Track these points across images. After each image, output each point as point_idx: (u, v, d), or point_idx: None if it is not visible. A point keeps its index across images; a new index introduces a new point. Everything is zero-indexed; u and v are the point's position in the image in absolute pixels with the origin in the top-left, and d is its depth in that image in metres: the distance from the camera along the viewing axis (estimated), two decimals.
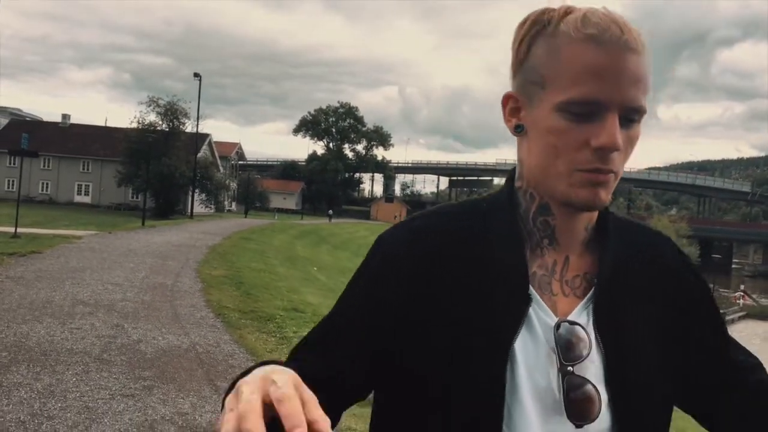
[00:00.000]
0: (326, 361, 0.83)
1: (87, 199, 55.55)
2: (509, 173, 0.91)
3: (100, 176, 55.14)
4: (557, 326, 0.80)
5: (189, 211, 42.60)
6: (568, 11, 0.80)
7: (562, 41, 0.78)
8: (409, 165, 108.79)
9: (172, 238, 19.95)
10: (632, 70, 0.76)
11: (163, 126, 47.84)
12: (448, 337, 0.80)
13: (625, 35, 0.76)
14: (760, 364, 0.93)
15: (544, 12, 0.82)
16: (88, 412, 4.39)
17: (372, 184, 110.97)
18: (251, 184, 66.72)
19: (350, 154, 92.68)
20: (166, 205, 46.70)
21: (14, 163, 47.50)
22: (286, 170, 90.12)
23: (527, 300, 0.81)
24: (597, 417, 0.78)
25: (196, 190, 46.28)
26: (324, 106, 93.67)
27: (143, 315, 7.81)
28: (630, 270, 0.88)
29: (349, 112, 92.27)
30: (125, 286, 9.79)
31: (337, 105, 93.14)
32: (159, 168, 44.59)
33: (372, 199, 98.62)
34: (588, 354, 0.80)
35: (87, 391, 4.81)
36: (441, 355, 0.80)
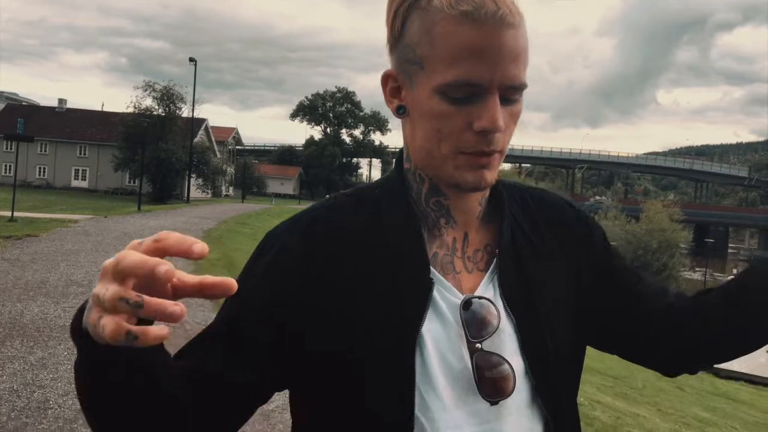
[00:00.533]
0: (216, 357, 0.78)
1: (84, 184, 55.71)
2: (398, 154, 0.90)
3: (97, 161, 55.25)
4: (462, 304, 0.80)
5: (186, 195, 42.82)
6: None
7: (436, 17, 0.74)
8: None
9: (167, 223, 20.22)
10: (510, 47, 0.73)
11: (160, 111, 47.96)
12: (353, 332, 0.78)
13: (501, 9, 0.73)
14: (667, 288, 0.95)
15: None
16: None
17: (370, 169, 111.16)
18: (248, 169, 66.91)
19: (348, 139, 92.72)
20: (163, 190, 46.88)
21: (11, 148, 47.58)
22: (284, 155, 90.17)
23: (429, 283, 0.80)
24: (512, 391, 0.78)
25: (193, 175, 46.51)
26: (321, 91, 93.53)
27: None
28: (528, 233, 0.88)
29: (346, 96, 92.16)
30: None
31: (335, 90, 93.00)
32: (156, 153, 44.75)
33: None
34: (497, 327, 0.80)
35: None
36: (347, 350, 0.78)
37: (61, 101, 60.67)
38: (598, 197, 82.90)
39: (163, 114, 47.77)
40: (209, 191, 51.55)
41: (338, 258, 0.81)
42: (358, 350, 0.78)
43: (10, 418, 3.93)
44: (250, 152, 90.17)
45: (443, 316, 0.80)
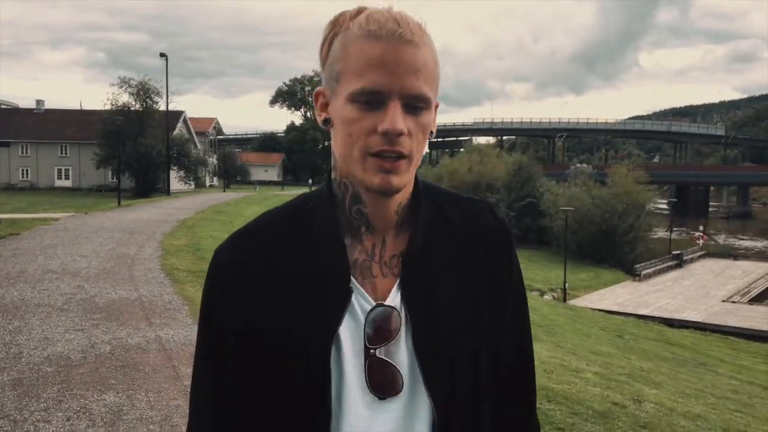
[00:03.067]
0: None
1: (68, 183, 56.48)
2: (329, 166, 0.98)
3: (78, 160, 55.95)
4: (368, 312, 0.89)
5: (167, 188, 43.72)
6: (359, 12, 0.89)
7: (350, 38, 0.86)
8: None
9: (145, 215, 21.30)
10: (409, 61, 0.84)
11: (137, 106, 48.68)
12: (280, 343, 0.89)
13: (401, 29, 0.84)
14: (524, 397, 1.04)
15: (342, 14, 0.91)
16: (48, 341, 5.90)
17: None
18: (230, 159, 67.69)
19: None
20: (146, 184, 47.72)
21: None
22: (266, 142, 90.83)
23: (348, 291, 0.89)
24: (401, 390, 0.89)
25: (174, 168, 47.36)
26: (299, 76, 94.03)
27: (102, 277, 9.30)
28: (443, 241, 0.95)
29: None
30: (91, 257, 11.24)
31: (312, 74, 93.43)
32: (136, 148, 45.59)
33: None
34: (397, 333, 0.89)
35: (47, 328, 6.33)
36: (274, 360, 0.89)
37: (39, 102, 61.15)
38: (578, 164, 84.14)
39: (141, 109, 48.52)
40: (191, 183, 52.37)
41: (268, 274, 0.91)
42: (286, 350, 0.88)
43: None
44: (232, 141, 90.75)
45: (358, 321, 0.89)
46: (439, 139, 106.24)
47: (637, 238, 36.67)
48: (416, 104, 0.86)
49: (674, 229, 54.37)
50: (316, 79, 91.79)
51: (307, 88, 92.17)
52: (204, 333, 0.95)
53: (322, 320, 0.88)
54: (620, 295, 27.71)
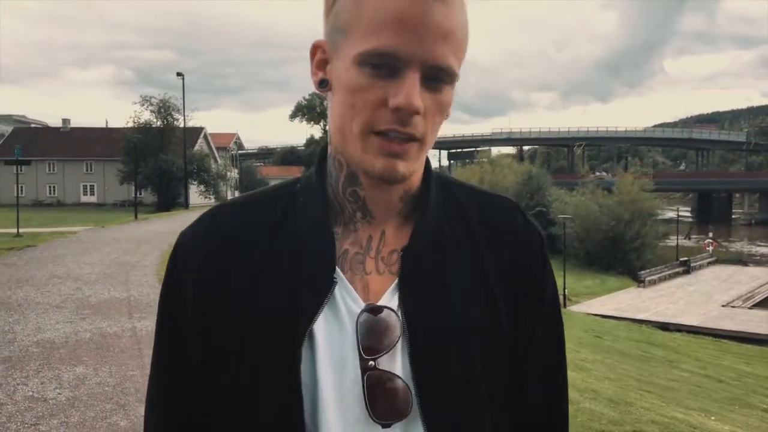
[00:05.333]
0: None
1: (93, 199, 58.51)
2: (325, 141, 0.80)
3: (103, 176, 57.95)
4: (361, 313, 0.73)
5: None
6: None
7: None
8: None
9: (158, 227, 22.57)
10: (439, 22, 0.67)
11: (158, 123, 50.53)
12: (247, 329, 0.74)
13: None
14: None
15: None
16: (40, 330, 6.98)
17: None
18: (250, 173, 69.43)
19: None
20: (167, 199, 49.44)
21: (22, 170, 50.48)
22: (286, 156, 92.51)
23: (329, 283, 0.73)
24: (407, 414, 0.71)
25: (194, 182, 48.99)
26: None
27: (101, 281, 10.40)
28: (456, 238, 0.79)
29: None
30: (95, 264, 12.39)
31: None
32: (157, 164, 47.33)
33: None
34: (397, 342, 0.72)
35: (42, 321, 7.43)
36: (240, 345, 0.74)
37: (65, 121, 63.42)
38: (598, 173, 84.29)
39: (162, 126, 50.36)
40: (212, 196, 53.96)
41: (239, 258, 0.76)
42: (250, 343, 0.73)
43: None
44: (253, 155, 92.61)
45: (342, 324, 0.73)
46: (457, 150, 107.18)
47: (644, 245, 37.09)
48: (439, 77, 0.70)
49: (693, 236, 54.58)
50: None
51: (326, 102, 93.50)
52: (161, 333, 0.81)
53: (294, 313, 0.72)
54: (621, 301, 28.22)
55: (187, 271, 0.78)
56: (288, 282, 0.74)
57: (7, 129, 62.51)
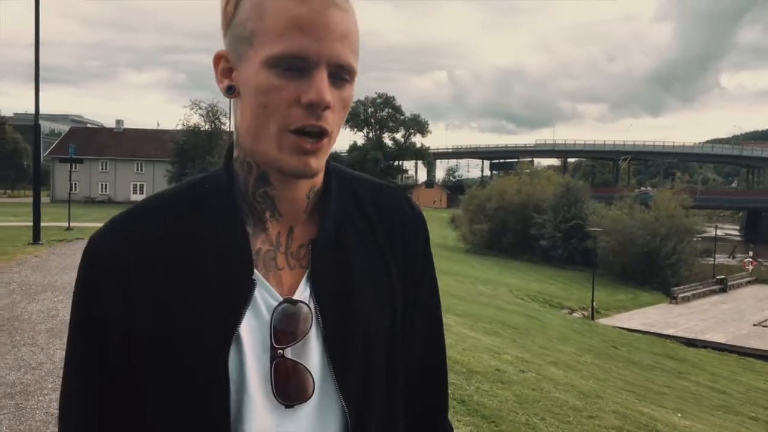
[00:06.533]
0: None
1: (142, 197, 60.43)
2: (228, 143, 0.85)
3: (152, 176, 60.23)
4: (276, 307, 0.78)
5: None
6: None
7: None
8: (449, 150, 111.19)
9: None
10: (338, 25, 0.75)
11: (206, 127, 52.35)
12: (172, 337, 0.76)
13: None
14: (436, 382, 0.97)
15: None
16: None
17: (416, 171, 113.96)
18: None
19: (390, 143, 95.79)
20: None
21: (76, 168, 52.95)
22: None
23: (250, 284, 0.78)
24: (309, 396, 0.78)
25: None
26: (363, 98, 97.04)
27: None
28: (357, 230, 0.86)
29: (386, 101, 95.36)
30: None
31: (375, 96, 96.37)
32: (203, 166, 48.99)
33: (414, 185, 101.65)
34: (308, 331, 0.78)
35: None
36: (168, 354, 0.76)
37: (119, 122, 66.13)
38: (643, 188, 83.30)
39: (209, 129, 52.15)
40: None
41: (154, 263, 0.78)
42: (177, 351, 0.76)
43: (48, 316, 7.16)
44: None
45: (262, 319, 0.78)
46: (500, 160, 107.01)
47: (680, 261, 36.85)
48: (342, 75, 0.76)
49: (738, 255, 53.58)
50: (378, 101, 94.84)
51: (370, 110, 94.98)
52: (75, 340, 0.80)
53: (219, 317, 0.76)
54: (650, 316, 28.24)
55: (105, 278, 0.78)
56: (210, 285, 0.77)
57: (64, 128, 65.43)
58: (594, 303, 27.28)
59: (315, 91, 0.73)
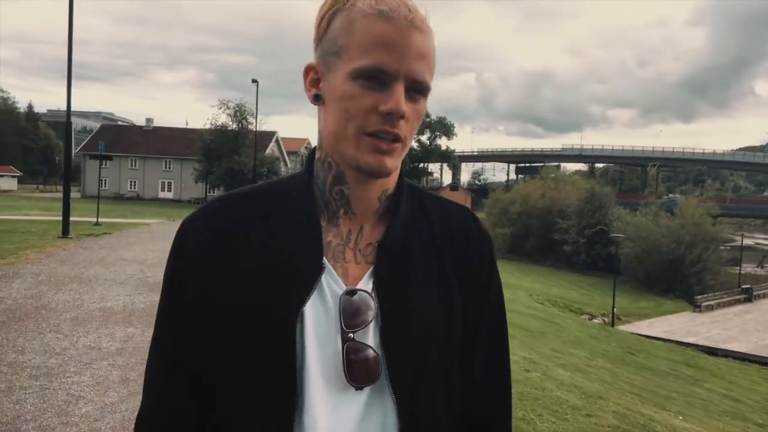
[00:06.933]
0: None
1: (170, 195, 61.72)
2: (311, 147, 1.05)
3: (180, 174, 61.08)
4: (343, 295, 0.87)
5: None
6: None
7: (357, 15, 0.86)
8: (475, 153, 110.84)
9: None
10: (417, 46, 0.85)
11: (233, 126, 53.01)
12: (243, 316, 0.86)
13: (412, 14, 0.85)
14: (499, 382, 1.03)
15: None
16: (103, 299, 8.29)
17: (441, 174, 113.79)
18: None
19: (415, 145, 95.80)
20: None
21: (106, 164, 54.00)
22: None
23: (319, 268, 0.87)
24: (377, 379, 0.86)
25: None
26: None
27: (161, 265, 11.67)
28: (422, 237, 0.95)
29: None
30: (159, 251, 13.83)
31: None
32: (230, 165, 49.68)
33: (439, 188, 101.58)
34: (372, 319, 0.87)
35: (106, 293, 8.75)
36: (235, 333, 0.86)
37: (148, 120, 67.19)
38: (671, 195, 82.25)
39: (237, 129, 52.81)
40: None
41: (235, 244, 0.89)
42: (251, 322, 0.85)
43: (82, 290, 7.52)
44: None
45: (327, 304, 0.87)
46: (525, 164, 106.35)
47: (705, 270, 36.43)
48: (417, 89, 0.87)
49: (766, 264, 52.75)
50: None
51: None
52: (165, 306, 0.93)
53: (287, 296, 0.86)
54: (672, 324, 27.99)
55: (193, 256, 0.90)
56: (283, 268, 0.87)
57: (95, 125, 66.75)
58: (615, 309, 27.12)
59: (393, 101, 0.84)
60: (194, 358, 0.90)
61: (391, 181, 0.94)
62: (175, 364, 0.91)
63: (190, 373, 0.90)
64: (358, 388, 0.86)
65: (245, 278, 0.87)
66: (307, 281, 0.87)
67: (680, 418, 7.06)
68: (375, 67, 0.84)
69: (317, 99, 0.91)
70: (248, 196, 0.95)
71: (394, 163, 0.87)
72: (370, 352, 0.86)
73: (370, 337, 0.87)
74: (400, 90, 0.84)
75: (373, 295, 0.88)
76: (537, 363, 8.42)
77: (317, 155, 0.95)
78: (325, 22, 0.90)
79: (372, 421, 0.86)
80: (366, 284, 0.89)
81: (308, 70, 0.93)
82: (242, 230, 0.90)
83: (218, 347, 0.87)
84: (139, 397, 0.95)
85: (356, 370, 0.85)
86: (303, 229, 0.90)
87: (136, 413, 0.95)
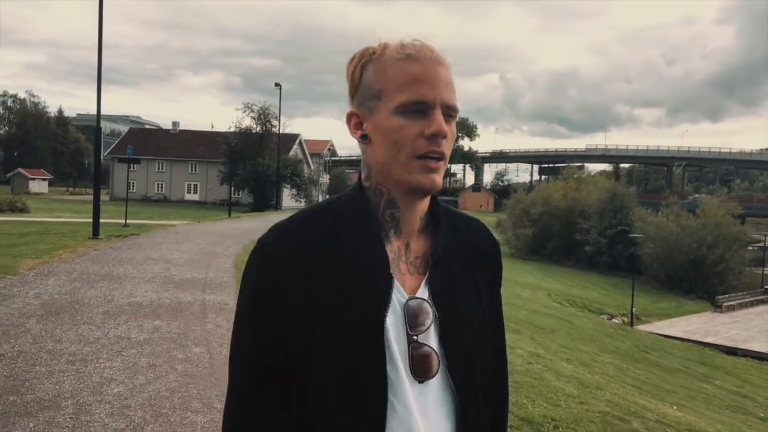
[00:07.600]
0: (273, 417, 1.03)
1: (196, 197, 62.90)
2: (358, 176, 1.12)
3: (206, 176, 62.22)
4: (407, 302, 1.02)
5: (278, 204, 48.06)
6: (386, 45, 1.05)
7: (388, 62, 1.02)
8: (497, 154, 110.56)
9: (246, 225, 24.78)
10: (443, 77, 1.02)
11: (257, 129, 53.83)
12: (331, 322, 0.99)
13: (434, 53, 1.02)
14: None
15: (367, 49, 1.07)
16: (132, 295, 8.86)
17: (464, 175, 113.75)
18: (341, 179, 72.22)
19: None
20: (262, 200, 52.55)
21: (134, 167, 55.21)
22: None
23: (390, 281, 1.02)
24: (436, 373, 1.02)
25: (287, 186, 51.78)
26: None
27: (186, 265, 12.34)
28: (456, 248, 1.12)
29: None
30: (185, 251, 14.44)
31: None
32: (254, 167, 50.46)
33: (461, 189, 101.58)
34: (431, 324, 1.02)
35: (134, 289, 9.33)
36: (327, 337, 0.99)
37: (174, 123, 68.39)
38: (696, 195, 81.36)
39: (261, 132, 53.62)
40: (303, 200, 56.69)
41: (312, 258, 1.01)
42: (341, 328, 0.99)
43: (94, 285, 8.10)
44: (345, 163, 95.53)
45: (396, 310, 1.01)
46: (549, 165, 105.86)
47: (728, 270, 36.24)
48: (450, 113, 1.03)
49: None
50: None
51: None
52: (254, 317, 1.03)
53: (371, 305, 1.00)
54: (692, 324, 27.98)
55: (274, 274, 1.01)
56: (355, 281, 1.01)
57: (123, 129, 68.15)
58: (634, 309, 27.20)
59: (436, 124, 1.00)
60: (285, 361, 1.02)
61: (427, 203, 1.10)
62: (267, 368, 1.03)
63: (281, 377, 1.03)
64: (421, 381, 1.01)
65: (322, 291, 1.00)
66: (383, 292, 1.01)
67: (674, 407, 7.38)
68: (416, 99, 0.99)
69: (364, 138, 1.06)
70: (312, 217, 1.08)
71: (441, 179, 1.03)
72: (429, 350, 1.02)
73: (430, 338, 1.03)
74: (439, 114, 1.00)
75: (429, 302, 1.04)
76: (541, 356, 8.78)
77: (366, 184, 1.09)
78: (358, 73, 1.06)
79: (442, 408, 1.03)
80: (423, 293, 1.05)
81: (350, 116, 1.08)
82: (312, 248, 1.02)
83: (312, 349, 1.00)
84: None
85: (418, 368, 1.01)
86: (369, 247, 1.04)
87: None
